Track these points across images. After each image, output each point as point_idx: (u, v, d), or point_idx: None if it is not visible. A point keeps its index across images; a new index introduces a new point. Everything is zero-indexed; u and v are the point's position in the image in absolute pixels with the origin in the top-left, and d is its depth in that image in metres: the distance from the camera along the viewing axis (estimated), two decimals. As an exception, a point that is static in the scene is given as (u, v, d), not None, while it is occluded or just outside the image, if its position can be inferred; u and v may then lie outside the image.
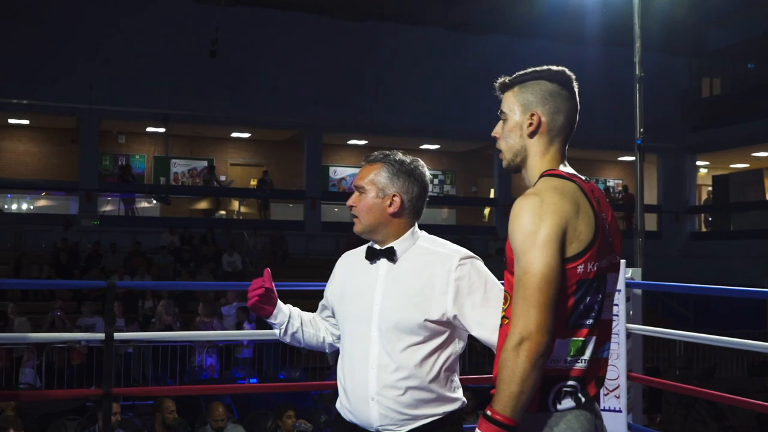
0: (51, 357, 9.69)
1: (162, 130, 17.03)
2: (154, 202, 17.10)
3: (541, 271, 1.68)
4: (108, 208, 17.02)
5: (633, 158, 6.12)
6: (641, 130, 6.02)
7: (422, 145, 19.19)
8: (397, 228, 2.22)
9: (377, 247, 2.24)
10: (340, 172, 19.54)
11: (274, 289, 2.36)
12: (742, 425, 8.74)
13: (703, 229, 21.08)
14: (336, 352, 2.37)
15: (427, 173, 2.28)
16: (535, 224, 1.70)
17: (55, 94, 14.81)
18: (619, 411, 4.00)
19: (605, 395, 4.01)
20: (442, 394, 2.13)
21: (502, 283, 1.91)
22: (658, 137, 16.11)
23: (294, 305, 2.46)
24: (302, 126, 17.10)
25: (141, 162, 18.25)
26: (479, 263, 2.18)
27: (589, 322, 1.78)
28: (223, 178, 18.51)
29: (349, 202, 2.26)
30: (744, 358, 12.81)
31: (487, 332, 2.08)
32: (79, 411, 7.13)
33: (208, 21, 14.61)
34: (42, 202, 18.30)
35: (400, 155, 2.26)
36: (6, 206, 17.69)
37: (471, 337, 2.19)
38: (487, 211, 20.47)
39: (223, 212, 18.51)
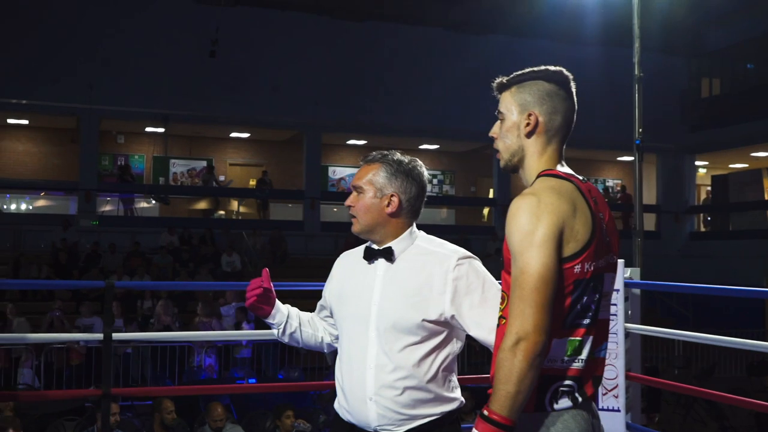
0: (50, 357, 9.68)
1: (161, 130, 17.03)
2: (153, 202, 17.09)
3: (538, 271, 1.68)
4: (107, 208, 17.02)
5: (632, 158, 6.12)
6: (640, 130, 6.02)
7: (421, 145, 19.19)
8: (395, 228, 2.22)
9: (375, 247, 2.24)
10: (339, 172, 19.54)
11: (273, 289, 2.35)
12: (742, 425, 8.74)
13: (702, 229, 21.10)
14: (334, 352, 2.37)
15: (425, 173, 2.28)
16: (532, 224, 1.70)
17: (55, 94, 14.80)
18: (618, 410, 4.00)
19: (603, 395, 4.01)
20: (439, 394, 2.13)
21: (500, 283, 1.91)
22: (657, 137, 16.12)
23: (293, 305, 2.46)
24: (302, 126, 17.10)
25: (140, 162, 18.25)
26: (477, 263, 2.18)
27: (586, 321, 1.78)
28: (222, 178, 18.51)
29: (347, 202, 2.26)
30: (743, 358, 12.82)
31: (485, 332, 2.08)
32: (78, 411, 7.13)
33: (208, 21, 14.61)
34: (41, 202, 18.30)
35: (398, 155, 2.26)
36: (5, 206, 17.69)
37: (470, 337, 2.18)
38: (486, 211, 20.47)
39: (222, 212, 18.51)
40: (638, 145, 5.99)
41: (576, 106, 1.91)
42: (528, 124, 1.87)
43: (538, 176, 1.85)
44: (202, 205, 18.63)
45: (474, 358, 9.73)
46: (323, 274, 2.47)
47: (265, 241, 15.69)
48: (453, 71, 16.30)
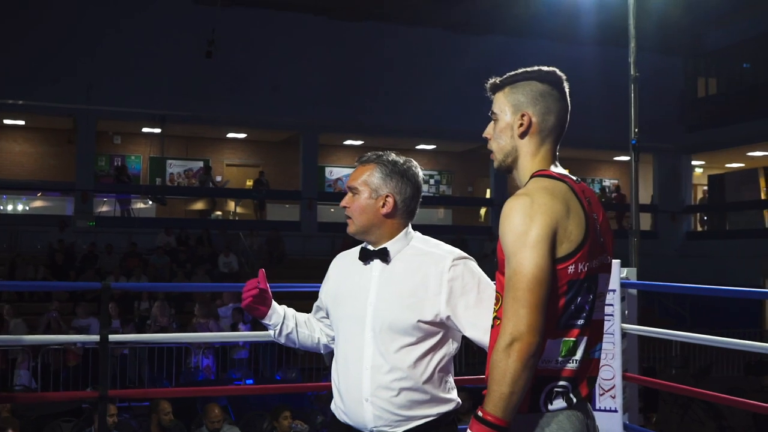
0: (46, 358, 9.66)
1: (158, 130, 17.01)
2: (150, 202, 17.07)
3: (531, 272, 1.68)
4: (104, 208, 17.01)
5: (629, 158, 6.12)
6: (636, 130, 6.02)
7: (418, 145, 19.20)
8: (391, 229, 2.22)
9: (371, 247, 2.24)
10: (336, 172, 19.54)
11: (269, 289, 2.36)
12: (740, 424, 8.76)
13: (699, 229, 21.14)
14: (332, 353, 2.37)
15: (420, 174, 2.28)
16: (526, 225, 1.70)
17: (52, 94, 14.79)
18: (615, 411, 4.01)
19: (601, 395, 4.01)
20: (436, 395, 2.13)
21: (495, 284, 1.91)
22: (654, 137, 16.15)
23: (290, 306, 2.46)
24: (300, 126, 17.09)
25: (137, 163, 18.23)
26: (473, 264, 2.18)
27: (580, 322, 1.78)
28: (219, 178, 18.50)
29: (343, 203, 2.26)
30: (740, 358, 12.85)
31: (481, 333, 2.08)
32: (75, 413, 7.12)
33: (206, 21, 14.59)
34: (38, 203, 18.29)
35: (393, 156, 2.26)
36: (2, 207, 17.67)
37: (467, 337, 2.18)
38: (483, 211, 20.48)
39: (219, 213, 18.50)
40: (634, 145, 5.98)
41: (569, 107, 1.91)
42: (521, 125, 1.87)
43: (532, 177, 1.85)
44: (199, 205, 18.62)
45: (471, 358, 9.73)
46: (320, 274, 2.47)
47: (262, 242, 15.69)
48: (451, 71, 16.32)
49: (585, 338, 1.79)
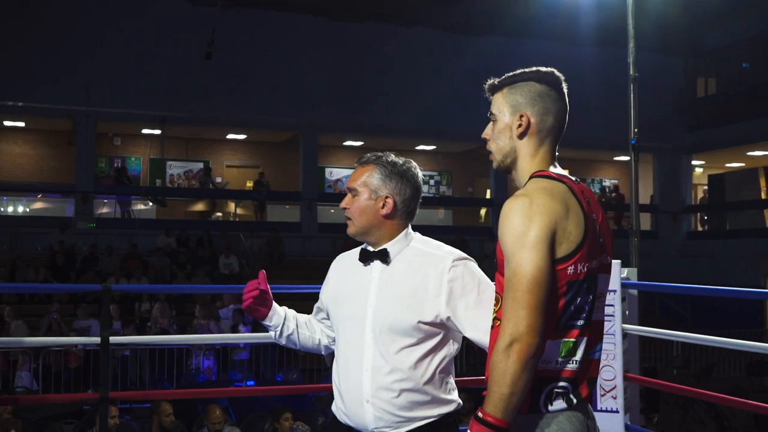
0: (48, 360, 9.66)
1: (158, 132, 17.02)
2: (150, 204, 17.08)
3: (531, 273, 1.68)
4: (104, 210, 17.00)
5: (629, 158, 6.12)
6: (636, 130, 6.02)
7: (418, 145, 19.19)
8: (391, 229, 2.22)
9: (371, 248, 2.24)
10: (336, 173, 19.53)
11: (269, 290, 2.35)
12: (741, 425, 8.74)
13: (699, 229, 21.13)
14: (333, 354, 2.37)
15: (420, 174, 2.28)
16: (525, 225, 1.70)
17: (52, 96, 14.78)
18: (617, 411, 4.00)
19: (602, 396, 4.01)
20: (436, 396, 2.13)
21: (494, 284, 1.91)
22: (653, 137, 16.14)
23: (291, 307, 2.46)
24: (300, 127, 17.09)
25: (137, 164, 18.23)
26: (473, 264, 2.18)
27: (580, 323, 1.78)
28: (219, 179, 18.50)
29: (343, 204, 2.26)
30: (742, 358, 12.83)
31: (481, 333, 2.07)
32: (77, 414, 7.13)
33: (206, 22, 14.60)
34: (38, 205, 18.28)
35: (392, 157, 2.26)
36: (2, 209, 17.67)
37: (468, 339, 2.18)
38: (483, 211, 20.47)
39: (219, 214, 18.50)
40: (634, 145, 5.98)
41: (568, 107, 1.91)
42: (520, 125, 1.87)
43: (531, 177, 1.85)
44: (199, 206, 18.62)
45: (472, 359, 9.72)
46: (320, 275, 2.47)
47: (263, 243, 15.69)
48: (451, 71, 16.31)
49: (585, 339, 1.79)
